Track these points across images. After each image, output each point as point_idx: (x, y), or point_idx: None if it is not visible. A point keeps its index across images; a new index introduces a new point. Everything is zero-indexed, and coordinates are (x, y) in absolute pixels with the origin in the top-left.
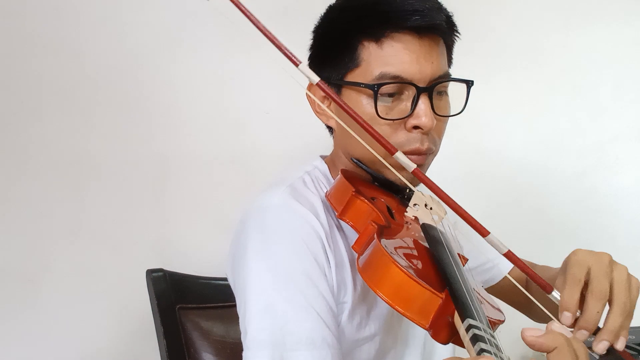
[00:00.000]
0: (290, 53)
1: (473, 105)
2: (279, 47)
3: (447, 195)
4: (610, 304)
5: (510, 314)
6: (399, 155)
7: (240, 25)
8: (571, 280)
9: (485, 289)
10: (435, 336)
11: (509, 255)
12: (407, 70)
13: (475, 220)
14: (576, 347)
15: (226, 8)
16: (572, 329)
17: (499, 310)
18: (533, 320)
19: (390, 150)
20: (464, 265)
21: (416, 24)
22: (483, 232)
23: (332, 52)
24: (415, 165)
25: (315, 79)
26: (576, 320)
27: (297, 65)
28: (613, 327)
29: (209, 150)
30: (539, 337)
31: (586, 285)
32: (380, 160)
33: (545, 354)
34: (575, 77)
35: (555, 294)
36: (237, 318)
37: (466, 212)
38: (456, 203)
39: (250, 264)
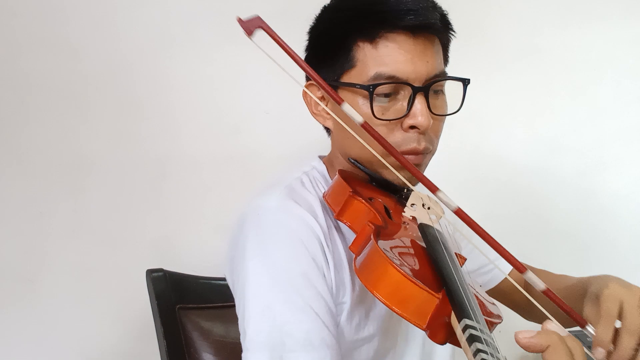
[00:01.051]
0: (334, 92)
1: (472, 105)
2: (322, 86)
3: (485, 230)
4: None
5: (510, 315)
6: (530, 275)
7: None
8: (605, 317)
9: (485, 291)
10: (433, 337)
11: (548, 293)
12: (402, 70)
13: (514, 257)
14: (571, 345)
15: (225, 5)
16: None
17: (497, 310)
18: (534, 322)
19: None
20: (462, 265)
21: (410, 23)
22: (520, 268)
23: (328, 53)
24: (544, 286)
25: (359, 119)
26: (609, 354)
27: (339, 103)
28: None
29: (209, 150)
30: (531, 337)
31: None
32: (378, 160)
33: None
34: (575, 77)
35: (590, 329)
36: (237, 318)
37: (504, 249)
38: (494, 239)
39: (249, 266)
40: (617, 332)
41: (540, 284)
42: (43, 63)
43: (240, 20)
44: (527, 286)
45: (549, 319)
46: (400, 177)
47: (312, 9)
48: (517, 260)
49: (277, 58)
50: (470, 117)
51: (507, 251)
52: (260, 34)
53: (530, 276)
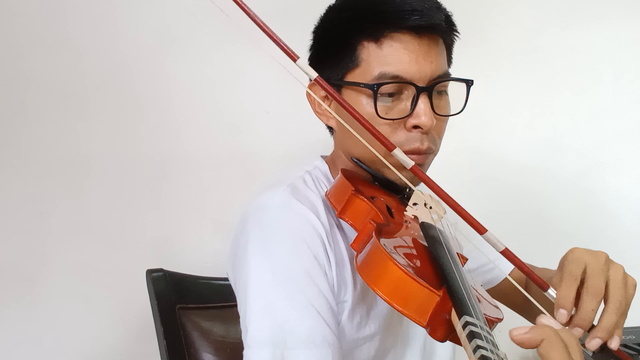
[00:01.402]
0: (288, 48)
1: (473, 105)
2: (277, 42)
3: (446, 192)
4: (605, 302)
5: (510, 315)
6: (397, 152)
7: (239, 22)
8: (567, 278)
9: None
10: (433, 334)
11: (506, 253)
12: (407, 70)
13: (473, 218)
14: (565, 337)
15: (224, 4)
16: (567, 327)
17: (498, 308)
18: (533, 323)
19: (388, 147)
20: (463, 265)
21: (415, 23)
22: (480, 229)
23: (332, 53)
24: (413, 163)
25: (314, 74)
26: (571, 318)
27: (294, 60)
28: (607, 325)
29: (209, 150)
30: (525, 333)
31: (582, 283)
32: (380, 160)
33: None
34: (575, 77)
35: (552, 292)
36: (237, 318)
37: (464, 210)
38: (454, 200)
39: (251, 263)
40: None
41: (499, 245)
42: (43, 63)
43: None
44: (527, 286)
45: (548, 316)
46: (401, 176)
47: (312, 9)
48: (477, 222)
49: (277, 57)
50: (470, 117)
51: (466, 212)
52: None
53: (490, 237)
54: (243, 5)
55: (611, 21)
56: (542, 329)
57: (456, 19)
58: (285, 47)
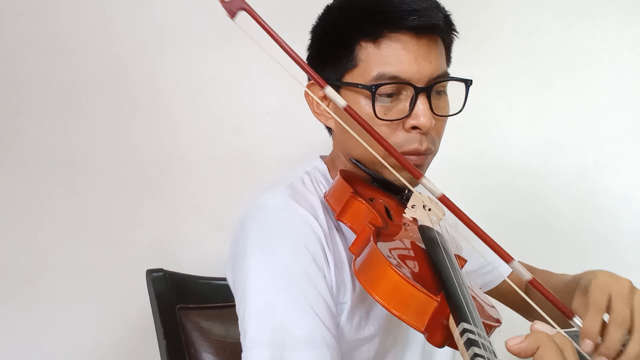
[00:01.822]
0: (317, 76)
1: (473, 105)
2: (305, 69)
3: (473, 221)
4: (630, 332)
5: (510, 316)
6: (425, 181)
7: (239, 22)
8: (593, 308)
9: (485, 292)
10: (431, 339)
11: (534, 283)
12: (405, 70)
13: (499, 246)
14: (560, 342)
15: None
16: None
17: (496, 313)
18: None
19: (414, 174)
20: (462, 267)
21: (414, 23)
22: (507, 258)
23: (330, 53)
24: (441, 192)
25: (342, 103)
26: (597, 346)
27: (322, 87)
28: (633, 355)
29: (209, 150)
30: (520, 343)
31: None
32: (379, 161)
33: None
34: (575, 77)
35: (577, 320)
36: (237, 318)
37: (490, 238)
38: (481, 229)
39: (250, 264)
40: (605, 325)
41: (526, 275)
42: (42, 63)
43: (222, 1)
44: (527, 288)
45: (546, 318)
46: (400, 178)
47: (312, 9)
48: (503, 250)
49: (277, 57)
50: (470, 117)
51: (494, 241)
52: (243, 16)
53: (516, 266)
54: (271, 31)
55: (611, 21)
56: (537, 336)
57: (456, 18)
58: (314, 75)
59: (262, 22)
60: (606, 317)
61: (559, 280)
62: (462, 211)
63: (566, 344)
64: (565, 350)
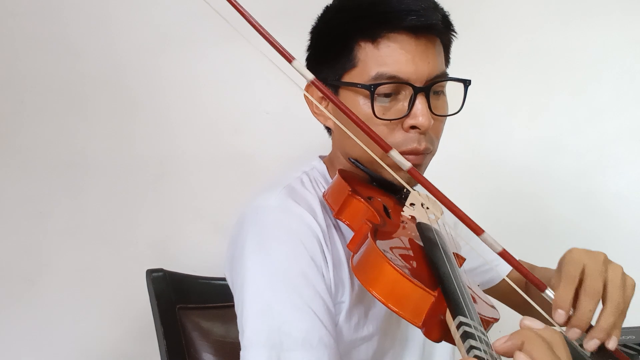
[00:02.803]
0: (284, 50)
1: (473, 106)
2: (272, 43)
3: (442, 194)
4: (603, 303)
5: (509, 316)
6: (394, 154)
7: (237, 22)
8: (565, 278)
9: (485, 291)
10: (428, 334)
11: (504, 254)
12: (404, 70)
13: (470, 219)
14: (547, 335)
15: (222, 6)
16: (565, 327)
17: (494, 308)
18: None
19: (384, 147)
20: (460, 265)
21: (412, 23)
22: (477, 230)
23: (329, 53)
24: (409, 165)
25: (310, 76)
26: (569, 318)
27: (290, 61)
28: (605, 326)
29: (209, 150)
30: (505, 342)
31: (580, 284)
32: (377, 160)
33: None
34: (575, 77)
35: (549, 293)
36: (237, 318)
37: (461, 211)
38: (451, 201)
39: (248, 265)
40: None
41: (497, 246)
42: (42, 63)
43: None
44: (526, 286)
45: (546, 317)
46: (397, 178)
47: (312, 9)
48: (474, 223)
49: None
50: (470, 117)
51: (464, 213)
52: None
53: (487, 237)
54: (238, 6)
55: (611, 21)
56: (520, 332)
57: (456, 18)
58: (281, 49)
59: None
60: None
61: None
62: (428, 181)
63: (555, 338)
64: (555, 344)
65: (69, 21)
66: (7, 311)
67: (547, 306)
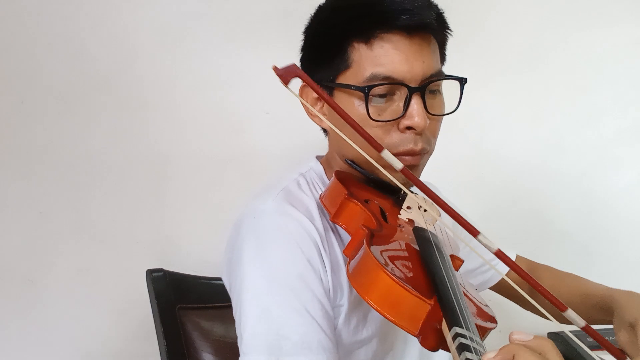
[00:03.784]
0: (469, 224)
1: (473, 106)
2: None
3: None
4: None
5: (509, 316)
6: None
7: (236, 23)
8: None
9: (487, 288)
10: (424, 343)
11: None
12: (398, 70)
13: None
14: (537, 345)
15: (222, 6)
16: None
17: (492, 316)
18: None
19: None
20: (459, 268)
21: (405, 23)
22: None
23: (323, 54)
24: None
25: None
26: None
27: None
28: None
29: (209, 150)
30: (495, 357)
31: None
32: (371, 162)
33: None
34: (575, 77)
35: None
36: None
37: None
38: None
39: (246, 269)
40: None
41: (580, 322)
42: (44, 62)
43: (276, 69)
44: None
45: (545, 316)
46: (393, 179)
47: (312, 10)
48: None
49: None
50: (470, 117)
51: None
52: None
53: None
54: (323, 94)
55: (611, 21)
56: (510, 347)
57: (456, 18)
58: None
59: (316, 87)
60: None
61: (573, 287)
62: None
63: (545, 346)
64: (546, 351)
65: (71, 20)
66: (7, 311)
67: (548, 305)
